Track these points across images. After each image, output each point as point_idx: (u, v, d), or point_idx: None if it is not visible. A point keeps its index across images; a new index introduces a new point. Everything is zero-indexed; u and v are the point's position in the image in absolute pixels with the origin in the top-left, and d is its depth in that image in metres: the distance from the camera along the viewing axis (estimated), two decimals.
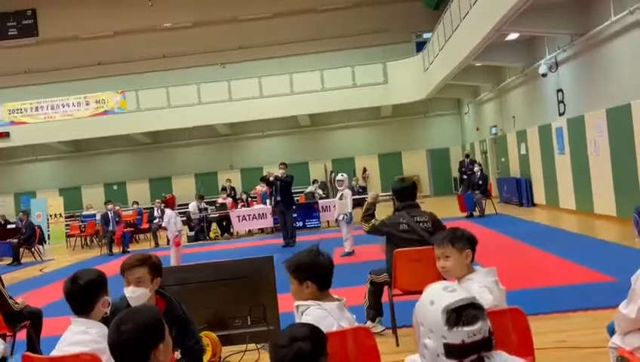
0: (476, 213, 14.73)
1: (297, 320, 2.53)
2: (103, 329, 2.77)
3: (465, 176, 16.62)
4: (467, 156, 17.76)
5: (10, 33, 24.82)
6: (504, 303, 2.87)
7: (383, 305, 5.29)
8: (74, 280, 2.90)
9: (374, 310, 5.22)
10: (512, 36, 13.75)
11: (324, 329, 2.40)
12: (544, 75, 13.28)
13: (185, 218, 15.62)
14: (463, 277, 2.84)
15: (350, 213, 10.44)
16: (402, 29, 23.95)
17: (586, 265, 7.36)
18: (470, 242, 2.94)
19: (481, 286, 2.75)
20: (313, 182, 19.78)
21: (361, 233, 12.13)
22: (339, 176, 11.02)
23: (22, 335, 5.34)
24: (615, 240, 9.00)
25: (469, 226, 12.41)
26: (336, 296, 2.65)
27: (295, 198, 14.63)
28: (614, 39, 10.37)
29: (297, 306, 2.59)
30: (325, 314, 2.49)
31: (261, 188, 17.40)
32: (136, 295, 3.03)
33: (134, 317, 1.98)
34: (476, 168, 15.67)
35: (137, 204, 20.00)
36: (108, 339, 1.98)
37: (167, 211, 10.57)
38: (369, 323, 5.13)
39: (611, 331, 2.93)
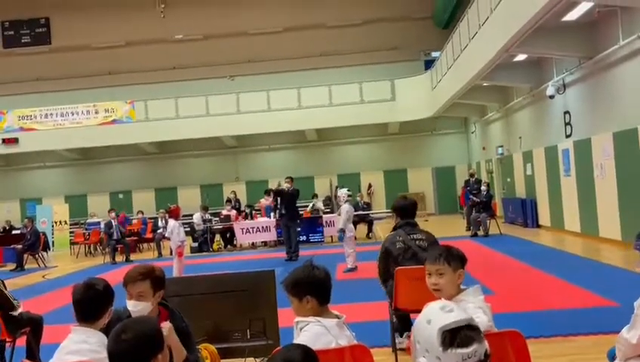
0: (480, 233, 14.68)
1: (296, 336, 2.53)
2: (103, 339, 2.77)
3: (471, 196, 16.50)
4: (472, 175, 17.72)
5: (23, 41, 25.12)
6: (492, 323, 2.85)
7: (384, 322, 5.28)
8: (89, 286, 2.90)
9: (400, 324, 5.20)
10: (520, 57, 13.80)
11: (322, 346, 2.41)
12: (551, 97, 13.30)
13: (189, 229, 15.65)
14: (453, 297, 2.81)
15: (341, 230, 10.31)
16: (411, 47, 24.08)
17: (589, 288, 7.31)
18: (462, 262, 2.94)
19: (476, 307, 2.74)
20: (313, 197, 19.79)
21: (364, 249, 12.10)
22: (337, 193, 10.98)
23: (21, 341, 5.34)
24: (619, 265, 8.94)
25: (474, 246, 12.40)
26: (336, 313, 2.64)
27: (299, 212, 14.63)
28: (622, 63, 10.39)
29: (297, 322, 2.59)
30: (323, 331, 2.49)
31: (265, 201, 17.42)
32: (138, 309, 3.03)
33: (134, 327, 2.00)
34: (483, 188, 15.63)
35: (142, 213, 20.03)
36: (108, 348, 2.00)
37: (171, 221, 10.59)
38: (398, 339, 5.12)
39: (611, 357, 2.91)
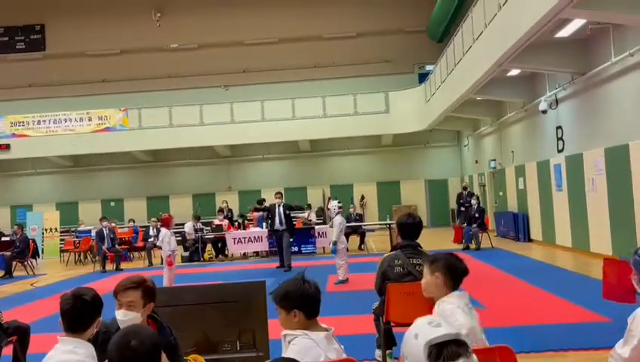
0: (472, 246, 14.69)
1: (284, 349, 2.50)
2: (91, 350, 2.73)
3: (462, 209, 16.64)
4: (465, 188, 17.81)
5: (17, 47, 25.07)
6: (479, 328, 2.87)
7: (375, 335, 5.24)
8: (77, 296, 2.84)
9: (384, 339, 5.03)
10: (514, 72, 13.91)
11: (311, 359, 2.39)
12: (544, 112, 13.40)
13: (180, 238, 15.56)
14: (438, 299, 2.98)
15: (334, 242, 10.27)
16: (406, 60, 24.24)
17: (580, 304, 7.32)
18: (448, 269, 3.09)
19: (455, 307, 2.76)
20: (306, 207, 19.74)
21: (356, 260, 12.05)
22: (328, 205, 11.02)
23: (8, 350, 5.27)
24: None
25: (465, 259, 12.37)
26: (324, 326, 2.62)
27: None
28: (614, 80, 10.49)
29: (285, 335, 2.56)
30: (312, 344, 2.47)
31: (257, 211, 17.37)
32: (127, 318, 2.98)
33: (140, 333, 2.02)
34: (473, 201, 15.70)
35: (133, 221, 19.91)
36: (114, 354, 1.98)
37: (163, 230, 10.53)
38: (378, 353, 5.04)
39: None
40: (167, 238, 10.18)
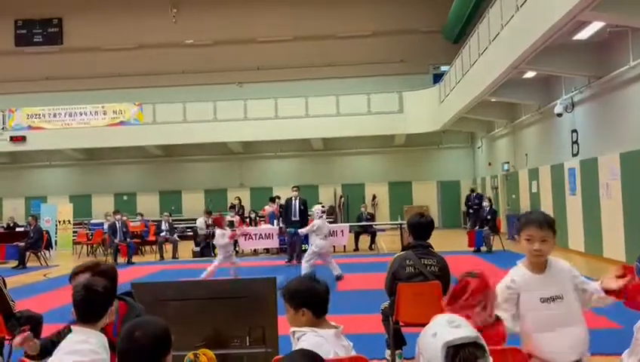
0: (484, 249, 14.61)
1: (293, 346, 2.51)
2: (103, 340, 2.76)
3: (471, 211, 16.55)
4: (472, 191, 17.70)
5: (35, 40, 25.33)
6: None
7: (380, 335, 5.24)
8: (89, 287, 2.87)
9: (393, 339, 5.03)
10: (529, 74, 13.80)
11: (321, 356, 2.38)
12: (559, 115, 13.29)
13: (192, 233, 15.65)
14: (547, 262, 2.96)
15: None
16: (420, 60, 24.14)
17: (591, 309, 7.24)
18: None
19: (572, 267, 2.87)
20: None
21: (366, 260, 11.98)
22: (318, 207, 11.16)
23: None
24: None
25: (476, 261, 12.33)
26: (333, 323, 2.63)
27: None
28: (632, 84, 10.37)
29: (293, 332, 2.57)
30: (322, 341, 2.47)
31: (269, 208, 17.42)
32: None
33: (147, 326, 2.04)
34: (485, 203, 15.60)
35: (142, 215, 20.00)
36: (119, 347, 2.00)
37: (218, 231, 11.04)
38: (388, 352, 5.04)
39: None
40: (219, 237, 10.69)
